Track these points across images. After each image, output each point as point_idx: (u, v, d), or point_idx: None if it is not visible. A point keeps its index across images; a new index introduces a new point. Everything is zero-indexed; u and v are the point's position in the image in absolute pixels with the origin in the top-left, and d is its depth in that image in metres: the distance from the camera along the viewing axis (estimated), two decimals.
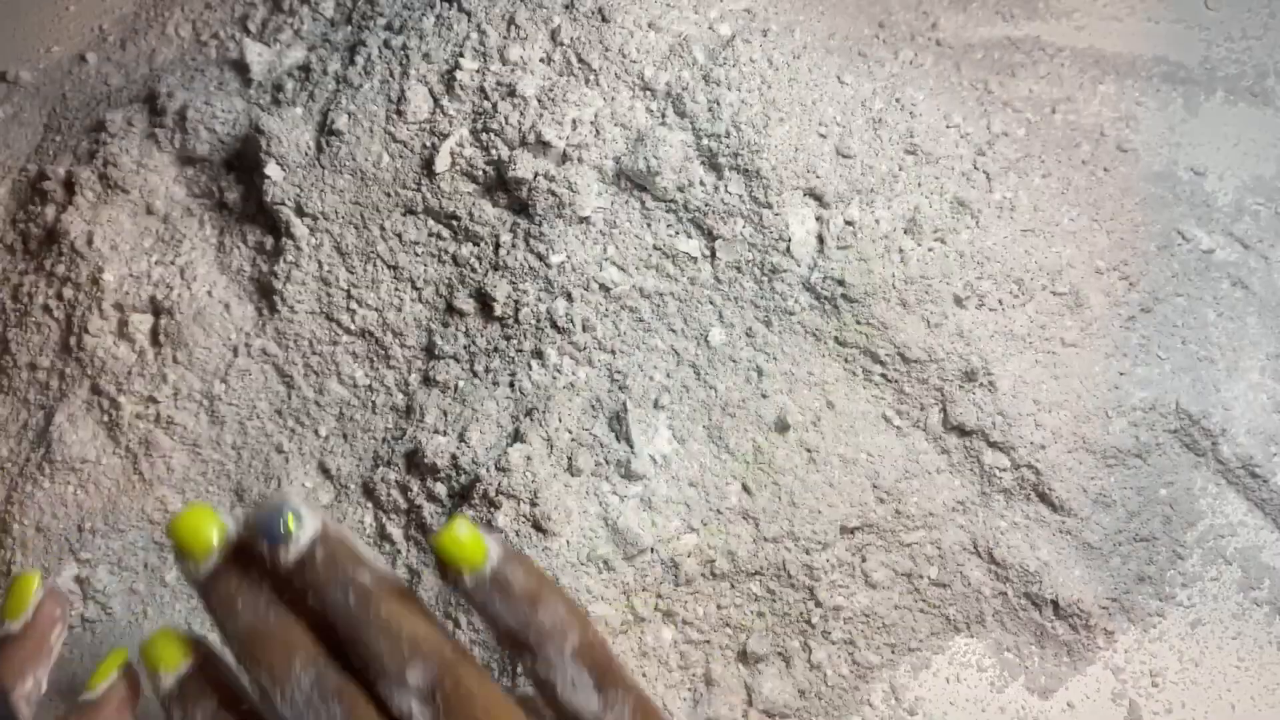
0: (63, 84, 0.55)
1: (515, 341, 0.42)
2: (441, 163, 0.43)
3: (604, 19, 0.43)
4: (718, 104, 0.42)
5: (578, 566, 0.39)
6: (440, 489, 0.40)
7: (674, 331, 0.42)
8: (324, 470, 0.43)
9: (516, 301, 0.42)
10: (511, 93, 0.42)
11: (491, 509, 0.39)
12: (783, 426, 0.41)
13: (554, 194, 0.42)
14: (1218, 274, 0.49)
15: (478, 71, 0.43)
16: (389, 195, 0.44)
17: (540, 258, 0.42)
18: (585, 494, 0.40)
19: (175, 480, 0.43)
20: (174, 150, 0.48)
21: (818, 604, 0.41)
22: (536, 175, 0.42)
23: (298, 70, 0.48)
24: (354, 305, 0.44)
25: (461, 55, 0.43)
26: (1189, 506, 0.45)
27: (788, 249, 0.42)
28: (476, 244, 0.43)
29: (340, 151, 0.44)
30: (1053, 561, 0.43)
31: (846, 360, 0.43)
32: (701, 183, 0.42)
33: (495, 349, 0.42)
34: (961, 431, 0.43)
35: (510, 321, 0.42)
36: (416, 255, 0.44)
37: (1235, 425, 0.46)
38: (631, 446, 0.40)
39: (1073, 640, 0.43)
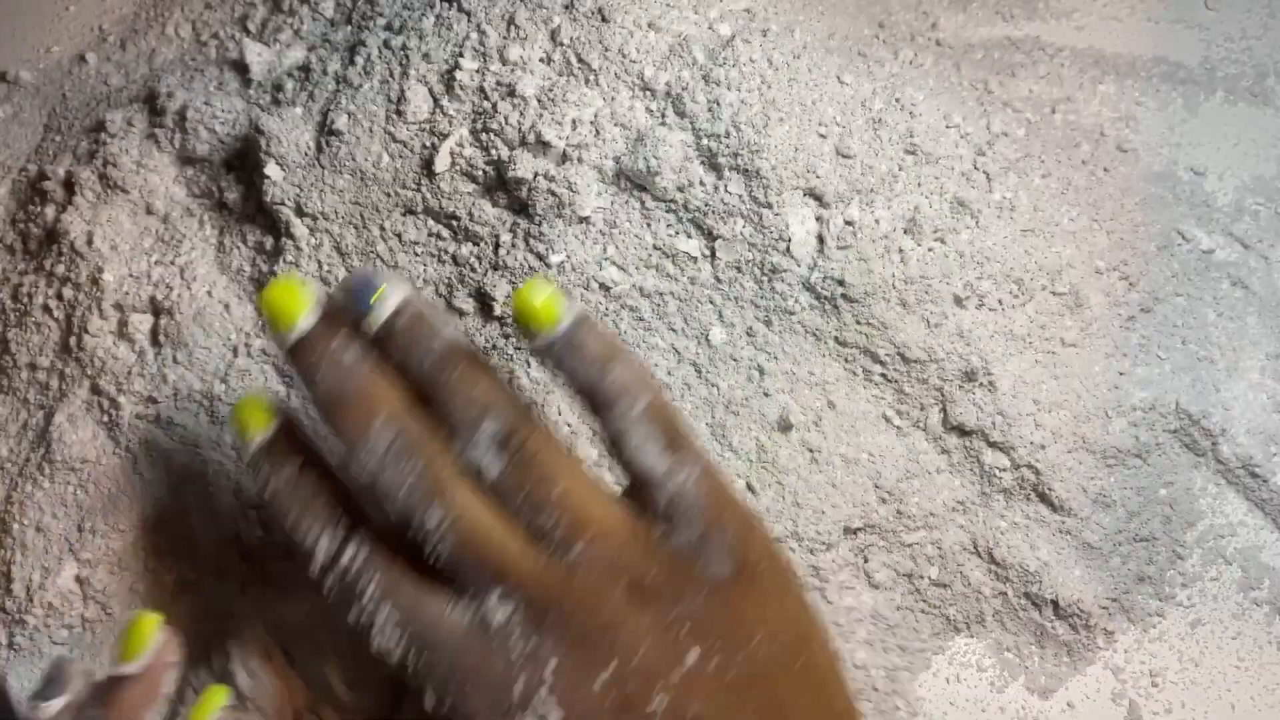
0: (63, 84, 0.55)
1: (514, 340, 0.42)
2: (441, 163, 0.43)
3: (604, 19, 0.43)
4: (718, 104, 0.42)
5: None
6: None
7: (674, 331, 0.42)
8: None
9: None
10: (511, 93, 0.42)
11: None
12: (785, 426, 0.41)
13: (554, 194, 0.42)
14: (1218, 274, 0.49)
15: (477, 71, 0.43)
16: (389, 195, 0.44)
17: (540, 258, 0.42)
18: None
19: (175, 480, 0.43)
20: (174, 150, 0.48)
21: (829, 604, 0.41)
22: (536, 175, 0.42)
23: (298, 70, 0.48)
24: None
25: (461, 55, 0.43)
26: (1189, 506, 0.45)
27: (788, 249, 0.42)
28: (476, 244, 0.43)
29: (340, 151, 0.44)
30: (1053, 561, 0.43)
31: (847, 360, 0.43)
32: (701, 183, 0.42)
33: (494, 347, 0.42)
34: (961, 431, 0.43)
35: (510, 321, 0.42)
36: (416, 255, 0.44)
37: (1235, 425, 0.46)
38: None
39: (1073, 640, 0.43)
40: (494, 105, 0.42)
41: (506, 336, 0.42)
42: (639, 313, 0.42)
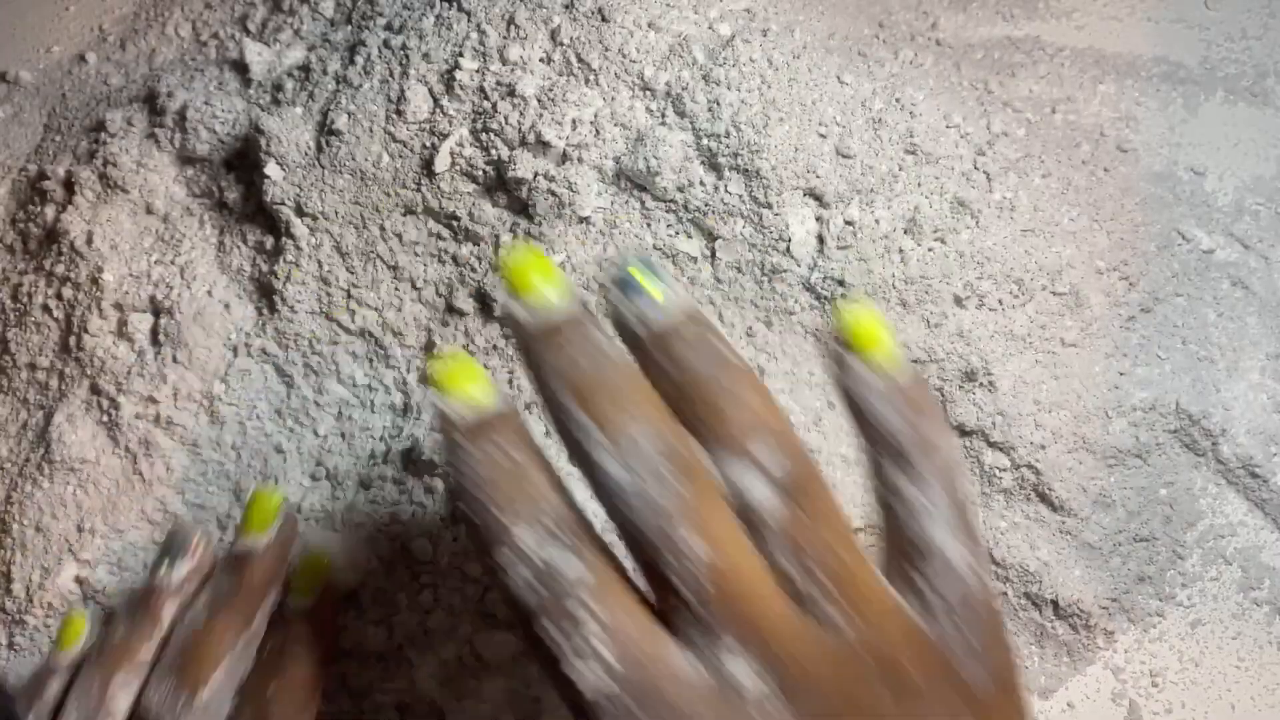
0: (62, 84, 0.55)
1: (514, 340, 0.42)
2: (441, 163, 0.43)
3: (604, 19, 0.43)
4: (718, 104, 0.42)
5: None
6: (437, 484, 0.41)
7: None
8: (322, 469, 0.43)
9: None
10: (511, 93, 0.42)
11: None
12: None
13: (554, 194, 0.42)
14: (1218, 274, 0.49)
15: (477, 71, 0.43)
16: (389, 195, 0.44)
17: None
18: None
19: (175, 480, 0.43)
20: (174, 150, 0.48)
21: None
22: (536, 175, 0.42)
23: (297, 70, 0.48)
24: (354, 305, 0.44)
25: (461, 55, 0.43)
26: (1189, 506, 0.45)
27: (788, 249, 0.42)
28: (476, 244, 0.43)
29: (340, 151, 0.44)
30: (1053, 561, 0.43)
31: None
32: (701, 183, 0.42)
33: (494, 347, 0.42)
34: (962, 431, 0.43)
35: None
36: (416, 255, 0.44)
37: (1235, 425, 0.46)
38: None
39: (1073, 640, 0.43)
40: (494, 105, 0.42)
41: (507, 337, 0.42)
42: None
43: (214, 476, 0.43)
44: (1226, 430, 0.46)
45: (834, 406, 0.42)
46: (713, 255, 0.42)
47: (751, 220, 0.42)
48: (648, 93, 0.43)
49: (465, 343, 0.43)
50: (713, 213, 0.42)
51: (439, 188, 0.43)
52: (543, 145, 0.42)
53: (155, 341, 0.45)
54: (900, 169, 0.43)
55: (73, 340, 0.45)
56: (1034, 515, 0.44)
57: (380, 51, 0.45)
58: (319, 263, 0.44)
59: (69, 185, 0.48)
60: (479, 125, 0.43)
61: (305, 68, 0.47)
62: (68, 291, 0.46)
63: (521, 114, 0.42)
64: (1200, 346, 0.47)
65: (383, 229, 0.44)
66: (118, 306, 0.45)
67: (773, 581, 0.26)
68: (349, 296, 0.44)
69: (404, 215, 0.44)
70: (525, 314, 0.28)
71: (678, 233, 0.42)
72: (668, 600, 0.26)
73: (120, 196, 0.47)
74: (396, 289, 0.44)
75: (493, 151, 0.42)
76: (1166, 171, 0.52)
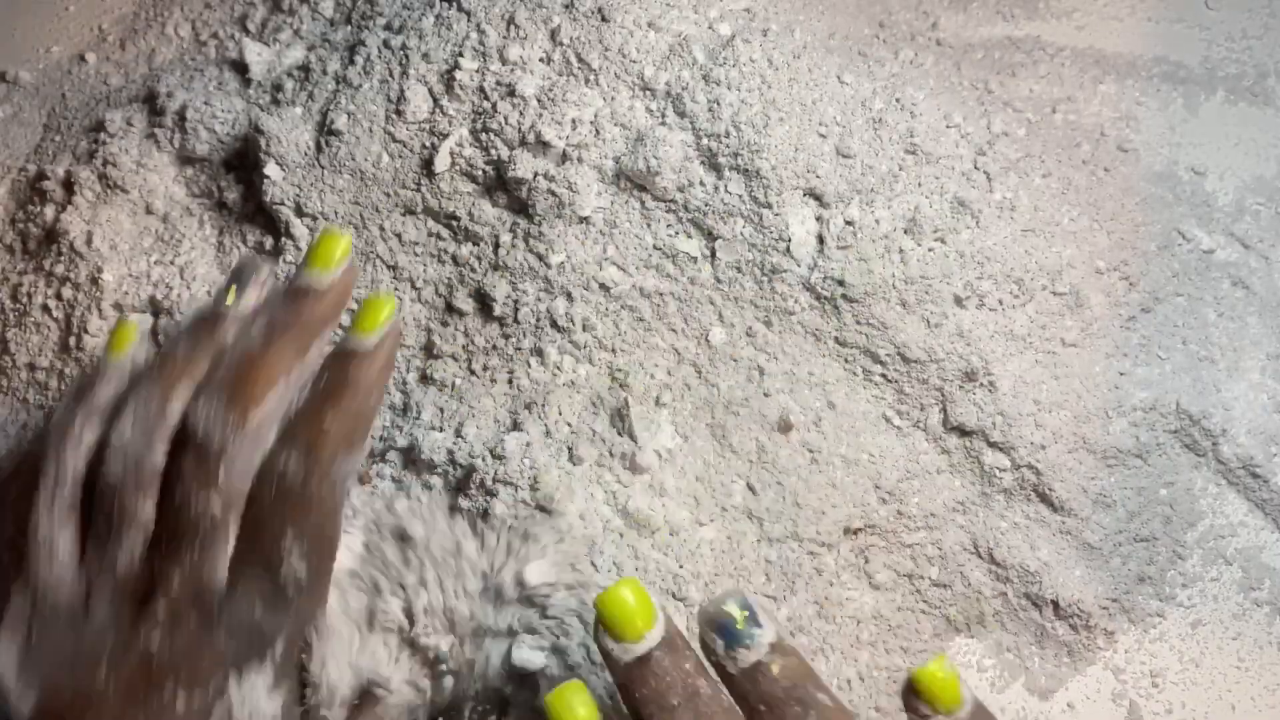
0: (62, 84, 0.55)
1: (514, 340, 0.42)
2: (441, 163, 0.43)
3: (604, 19, 0.43)
4: (718, 104, 0.42)
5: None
6: (436, 482, 0.40)
7: (674, 331, 0.42)
8: None
9: (516, 301, 0.42)
10: (511, 93, 0.42)
11: (488, 497, 0.39)
12: (785, 426, 0.41)
13: (554, 194, 0.42)
14: (1218, 274, 0.49)
15: (477, 71, 0.43)
16: (388, 195, 0.44)
17: (540, 258, 0.42)
18: (589, 481, 0.39)
19: None
20: (174, 150, 0.48)
21: (830, 606, 0.41)
22: (536, 175, 0.42)
23: (297, 70, 0.48)
24: (353, 305, 0.44)
25: (461, 55, 0.43)
26: (1189, 507, 0.45)
27: (788, 249, 0.42)
28: (476, 244, 0.43)
29: (340, 151, 0.44)
30: (1053, 562, 0.43)
31: (847, 360, 0.43)
32: (701, 183, 0.42)
33: (494, 347, 0.42)
34: (962, 432, 0.43)
35: (510, 321, 0.42)
36: (416, 255, 0.44)
37: (1235, 425, 0.46)
38: (635, 441, 0.40)
39: (1073, 640, 0.43)
40: (494, 105, 0.42)
41: (506, 337, 0.42)
42: (639, 313, 0.42)
43: None
44: (1227, 430, 0.46)
45: (834, 406, 0.42)
46: (713, 255, 0.42)
47: (751, 220, 0.42)
48: (648, 93, 0.43)
49: (465, 342, 0.43)
50: (713, 213, 0.42)
51: (439, 188, 0.43)
52: (543, 145, 0.42)
53: (155, 342, 0.45)
54: (900, 169, 0.43)
55: (73, 340, 0.45)
56: (1034, 515, 0.43)
57: (380, 51, 0.45)
58: None
59: (69, 185, 0.48)
60: (479, 125, 0.43)
61: (305, 68, 0.47)
62: (67, 291, 0.46)
63: (521, 114, 0.42)
64: (1200, 346, 0.47)
65: (382, 229, 0.44)
66: (117, 307, 0.45)
67: None
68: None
69: (404, 215, 0.44)
70: (610, 649, 0.30)
71: (678, 233, 0.42)
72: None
73: (120, 196, 0.47)
74: (396, 289, 0.44)
75: (493, 151, 0.42)
76: (1167, 171, 0.52)
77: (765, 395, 0.42)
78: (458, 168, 0.43)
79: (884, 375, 0.43)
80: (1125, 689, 0.43)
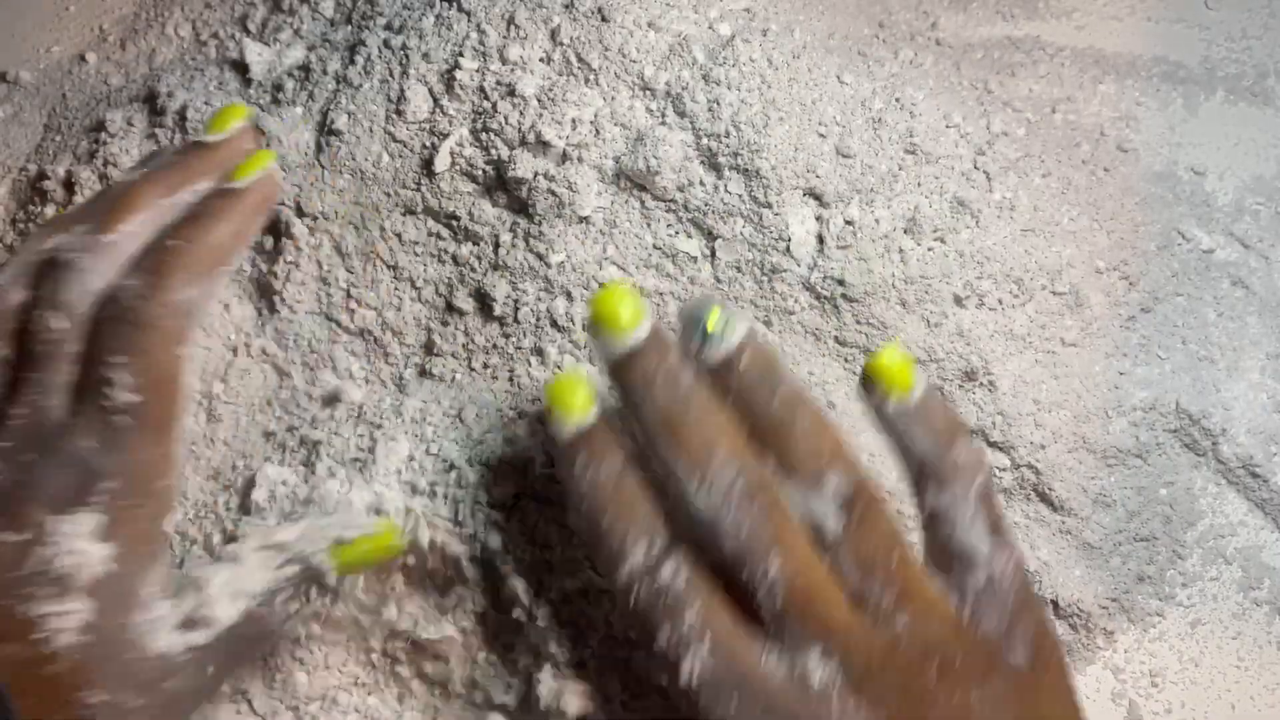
0: (63, 84, 0.55)
1: (514, 339, 0.42)
2: (441, 163, 0.43)
3: (604, 19, 0.43)
4: (717, 104, 0.42)
5: None
6: None
7: (674, 331, 0.42)
8: None
9: (516, 301, 0.42)
10: (511, 92, 0.42)
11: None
12: None
13: (554, 194, 0.42)
14: (1218, 274, 0.49)
15: (477, 71, 0.43)
16: (389, 195, 0.44)
17: (540, 257, 0.42)
18: None
19: None
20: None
21: None
22: (536, 175, 0.42)
23: (297, 70, 0.48)
24: (353, 305, 0.44)
25: (461, 55, 0.43)
26: (1189, 506, 0.45)
27: (788, 249, 0.42)
28: (476, 244, 0.43)
29: (340, 151, 0.44)
30: (1053, 561, 0.43)
31: (846, 360, 0.43)
32: (701, 182, 0.42)
33: (494, 346, 0.42)
34: None
35: (510, 320, 0.42)
36: (416, 255, 0.44)
37: (1235, 425, 0.46)
38: None
39: (1073, 640, 0.43)
40: (494, 105, 0.42)
41: (507, 336, 0.42)
42: None
43: (209, 476, 0.43)
44: (1226, 430, 0.46)
45: (834, 406, 0.42)
46: (713, 255, 0.42)
47: (751, 220, 0.42)
48: (648, 92, 0.43)
49: (465, 341, 0.43)
50: (713, 212, 0.42)
51: (439, 188, 0.43)
52: (543, 145, 0.42)
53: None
54: (900, 169, 0.43)
55: None
56: (1034, 515, 0.44)
57: (380, 51, 0.45)
58: (319, 263, 0.44)
59: (69, 185, 0.48)
60: (479, 125, 0.43)
61: (305, 68, 0.47)
62: None
63: (521, 114, 0.42)
64: (1200, 346, 0.47)
65: (383, 229, 0.44)
66: None
67: (838, 587, 0.30)
68: (349, 296, 0.44)
69: (404, 215, 0.44)
70: (606, 344, 0.32)
71: (678, 232, 0.42)
72: (752, 605, 0.30)
73: None
74: (396, 289, 0.44)
75: (493, 151, 0.42)
76: (1166, 171, 0.52)
77: None
78: (458, 167, 0.43)
79: None
80: (1125, 688, 0.43)
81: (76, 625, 0.29)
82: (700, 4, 0.44)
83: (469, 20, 0.44)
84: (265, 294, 0.45)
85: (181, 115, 0.48)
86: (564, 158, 0.42)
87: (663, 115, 0.42)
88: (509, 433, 0.40)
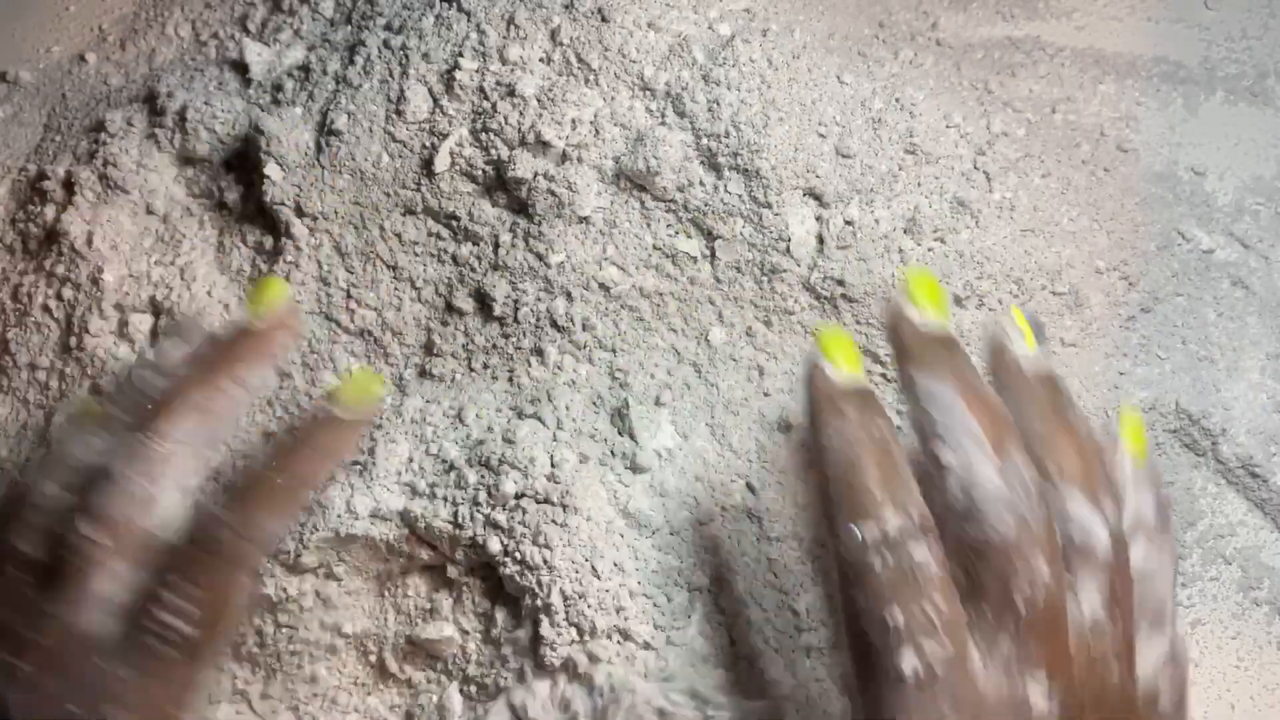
0: (62, 84, 0.55)
1: (514, 340, 0.42)
2: (441, 163, 0.43)
3: (604, 19, 0.43)
4: (717, 104, 0.42)
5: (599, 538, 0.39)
6: None
7: (674, 331, 0.42)
8: None
9: (516, 301, 0.42)
10: (511, 92, 0.42)
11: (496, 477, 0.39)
12: (785, 426, 0.41)
13: (554, 194, 0.42)
14: (1218, 274, 0.49)
15: (477, 71, 0.43)
16: (388, 195, 0.44)
17: (540, 257, 0.42)
18: (592, 480, 0.39)
19: None
20: (174, 150, 0.48)
21: None
22: (536, 175, 0.42)
23: (297, 70, 0.48)
24: (353, 305, 0.44)
25: (461, 55, 0.43)
26: (1189, 506, 0.45)
27: (787, 249, 0.42)
28: (476, 244, 0.43)
29: (340, 151, 0.44)
30: None
31: None
32: (701, 183, 0.42)
33: (494, 346, 0.42)
34: None
35: (509, 321, 0.42)
36: (416, 255, 0.44)
37: (1235, 425, 0.46)
38: (635, 440, 0.40)
39: None
40: (494, 105, 0.42)
41: (506, 336, 0.42)
42: (639, 313, 0.42)
43: (209, 477, 0.43)
44: (1226, 430, 0.46)
45: None
46: (713, 255, 0.42)
47: (751, 220, 0.42)
48: (647, 93, 0.43)
49: (465, 341, 0.43)
50: (712, 212, 0.42)
51: (439, 188, 0.43)
52: (542, 145, 0.42)
53: (155, 342, 0.45)
54: (900, 169, 0.43)
55: (73, 340, 0.45)
56: None
57: (380, 51, 0.45)
58: (319, 263, 0.44)
59: (69, 185, 0.48)
60: (479, 125, 0.43)
61: (305, 68, 0.47)
62: (68, 292, 0.46)
63: (521, 114, 0.42)
64: (1200, 346, 0.47)
65: (382, 229, 0.44)
66: (118, 307, 0.45)
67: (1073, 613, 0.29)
68: (348, 296, 0.44)
69: (404, 215, 0.44)
70: (921, 320, 0.31)
71: (677, 232, 0.42)
72: (979, 608, 0.29)
73: (120, 197, 0.47)
74: (396, 289, 0.44)
75: (492, 151, 0.42)
76: (1166, 171, 0.52)
77: (765, 395, 0.42)
78: (458, 168, 0.43)
79: (884, 375, 0.43)
80: None
81: None
82: (700, 4, 0.44)
83: (469, 20, 0.44)
84: None
85: (181, 115, 0.48)
86: (564, 158, 0.42)
87: (662, 115, 0.42)
88: (509, 433, 0.40)
